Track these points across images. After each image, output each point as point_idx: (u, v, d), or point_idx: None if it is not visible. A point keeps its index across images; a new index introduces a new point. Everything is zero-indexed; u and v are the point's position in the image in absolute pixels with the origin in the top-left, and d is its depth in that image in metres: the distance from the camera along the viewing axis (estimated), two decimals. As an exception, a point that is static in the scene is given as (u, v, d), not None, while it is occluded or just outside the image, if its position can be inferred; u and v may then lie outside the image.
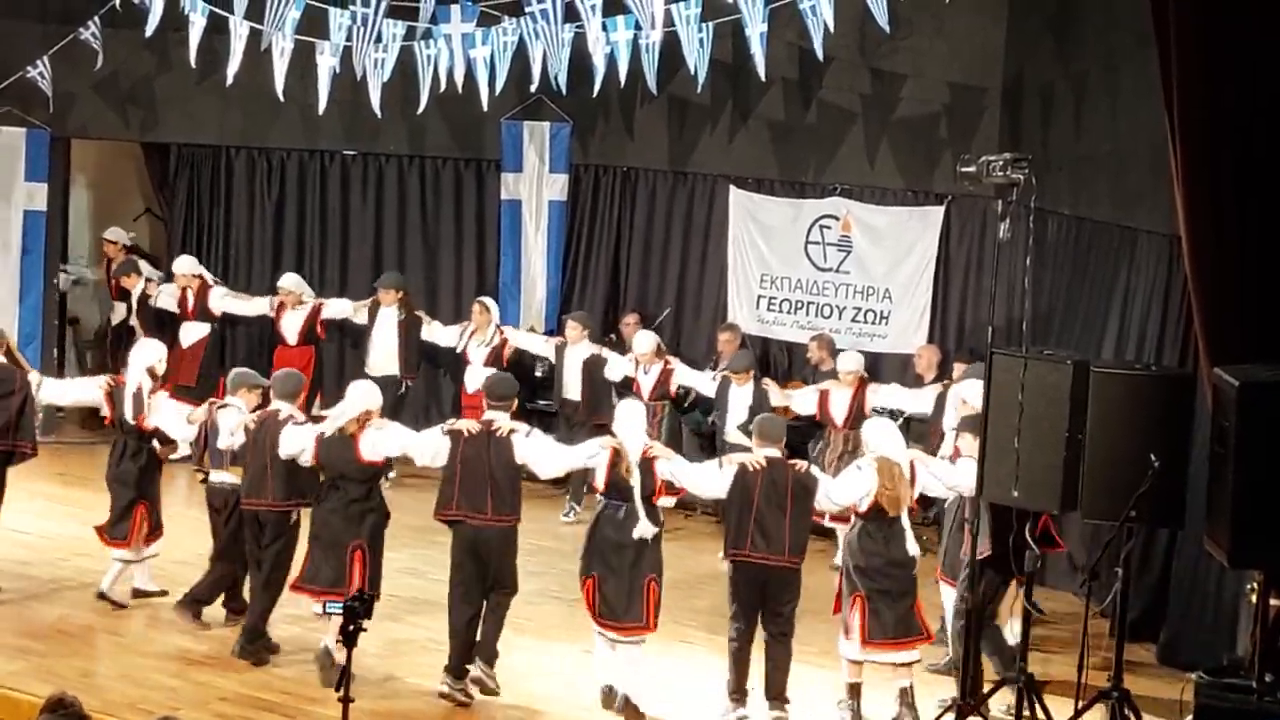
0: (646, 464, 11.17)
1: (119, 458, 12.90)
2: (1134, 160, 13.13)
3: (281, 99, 16.18)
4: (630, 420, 11.41)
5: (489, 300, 16.64)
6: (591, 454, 11.41)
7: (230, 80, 16.10)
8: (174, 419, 12.77)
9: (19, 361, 13.24)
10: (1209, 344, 10.37)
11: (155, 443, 12.92)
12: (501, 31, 15.71)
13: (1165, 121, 10.39)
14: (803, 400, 15.18)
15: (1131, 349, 13.20)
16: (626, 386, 15.65)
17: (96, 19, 16.38)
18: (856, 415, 14.66)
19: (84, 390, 13.39)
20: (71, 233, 18.75)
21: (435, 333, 16.70)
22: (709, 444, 15.46)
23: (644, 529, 11.06)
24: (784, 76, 16.41)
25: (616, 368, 15.86)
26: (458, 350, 16.51)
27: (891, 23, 14.72)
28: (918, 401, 15.06)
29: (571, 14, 15.38)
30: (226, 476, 12.28)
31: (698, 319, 17.31)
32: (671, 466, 11.35)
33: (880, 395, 15.06)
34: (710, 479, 11.36)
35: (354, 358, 17.14)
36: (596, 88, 15.78)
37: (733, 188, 17.09)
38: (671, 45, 15.25)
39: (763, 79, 15.45)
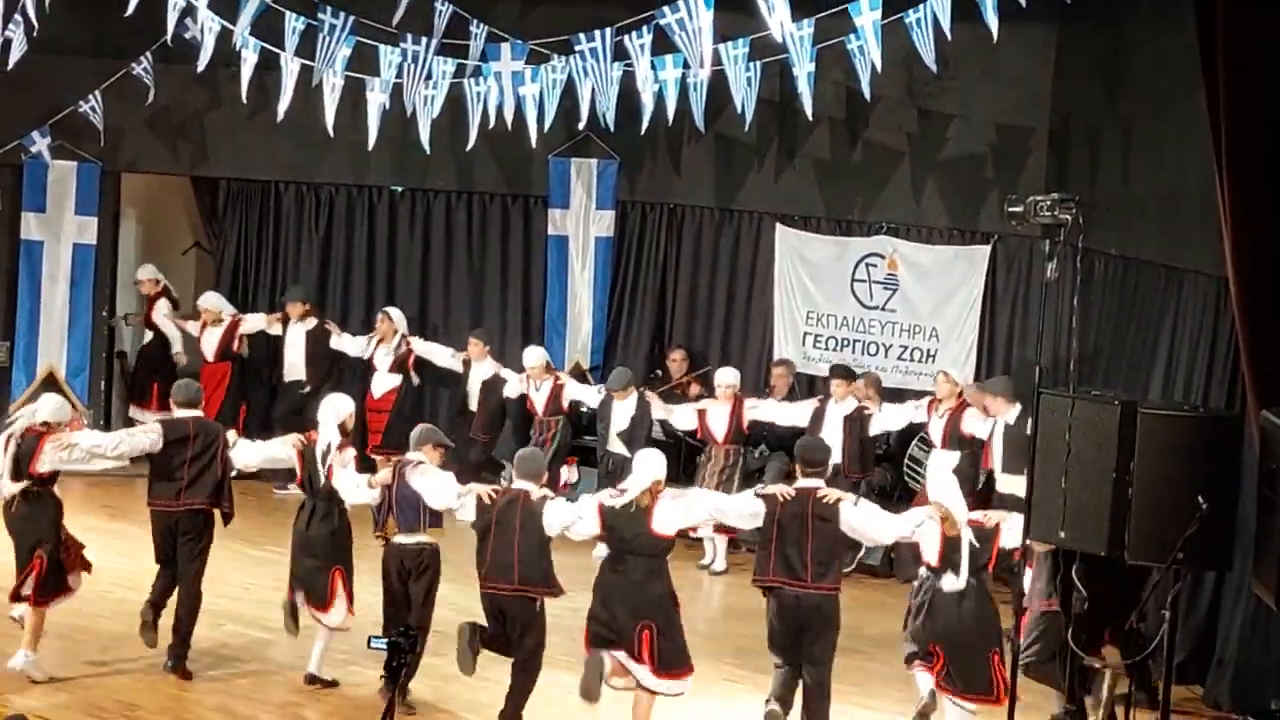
0: (988, 532, 11.01)
1: (307, 521, 12.12)
2: (1181, 201, 13.09)
3: (331, 134, 16.27)
4: (946, 484, 11.16)
5: (392, 310, 17.29)
6: (919, 523, 11.15)
7: (280, 116, 16.19)
8: (350, 482, 11.98)
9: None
10: (1256, 386, 10.32)
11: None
12: (550, 69, 15.78)
13: (1213, 163, 10.37)
14: (682, 416, 15.73)
15: (1179, 390, 13.14)
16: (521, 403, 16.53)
17: (149, 55, 16.54)
18: (735, 430, 15.36)
19: (277, 450, 12.52)
20: (120, 267, 18.83)
21: (344, 343, 17.36)
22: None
23: (957, 582, 10.92)
24: (831, 116, 16.44)
25: (513, 386, 16.51)
26: (365, 358, 17.18)
27: (939, 63, 14.73)
28: (792, 416, 15.50)
29: (620, 53, 15.45)
30: (418, 538, 11.69)
31: (744, 355, 17.30)
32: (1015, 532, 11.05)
33: (758, 411, 15.60)
34: None
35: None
36: (644, 125, 15.82)
37: (779, 225, 17.12)
38: (719, 84, 15.27)
39: (809, 118, 15.45)
